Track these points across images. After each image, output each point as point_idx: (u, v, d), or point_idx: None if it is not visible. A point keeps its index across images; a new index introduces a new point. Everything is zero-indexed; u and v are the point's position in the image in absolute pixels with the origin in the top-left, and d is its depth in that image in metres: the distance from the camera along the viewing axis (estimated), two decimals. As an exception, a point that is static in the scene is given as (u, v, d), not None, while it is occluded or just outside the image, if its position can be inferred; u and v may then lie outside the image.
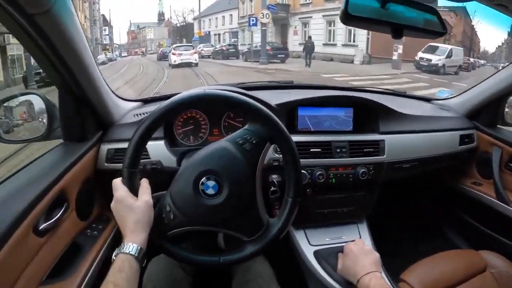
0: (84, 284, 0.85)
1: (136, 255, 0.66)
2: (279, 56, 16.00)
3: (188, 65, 15.47)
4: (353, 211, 1.26)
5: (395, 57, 13.52)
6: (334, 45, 17.34)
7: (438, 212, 1.69)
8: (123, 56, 38.19)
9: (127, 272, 0.64)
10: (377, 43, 14.61)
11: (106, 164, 1.07)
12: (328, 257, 1.11)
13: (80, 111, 1.02)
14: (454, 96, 1.53)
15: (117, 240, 1.00)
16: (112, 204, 0.73)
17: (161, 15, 60.67)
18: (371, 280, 0.84)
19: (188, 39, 35.73)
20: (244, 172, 0.74)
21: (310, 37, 16.38)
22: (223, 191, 0.72)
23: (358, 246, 0.96)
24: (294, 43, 19.45)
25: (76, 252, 0.92)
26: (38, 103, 1.01)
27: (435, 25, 0.80)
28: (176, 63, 15.74)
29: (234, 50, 19.95)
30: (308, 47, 15.07)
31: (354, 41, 16.38)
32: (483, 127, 1.39)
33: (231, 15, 28.75)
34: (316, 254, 1.15)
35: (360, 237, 1.24)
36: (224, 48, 20.46)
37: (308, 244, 1.20)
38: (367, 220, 1.31)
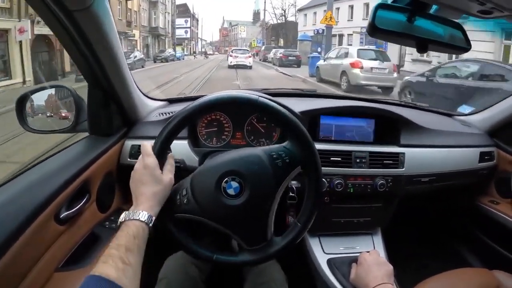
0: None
1: (150, 225, 0.66)
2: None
3: (243, 67, 17.81)
4: (369, 222, 1.26)
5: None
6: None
7: (453, 229, 1.67)
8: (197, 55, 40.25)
9: (140, 239, 0.63)
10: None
11: (129, 159, 1.10)
12: (341, 266, 1.11)
13: (108, 107, 1.05)
14: (476, 112, 1.51)
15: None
16: (139, 167, 0.71)
17: (256, 14, 57.79)
18: None
19: (287, 39, 32.80)
20: (269, 185, 0.74)
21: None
22: (243, 195, 0.73)
23: (373, 257, 0.96)
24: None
25: (93, 242, 0.94)
26: (67, 96, 1.05)
27: (460, 40, 0.80)
28: (232, 64, 18.24)
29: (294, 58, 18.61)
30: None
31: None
32: (504, 145, 1.37)
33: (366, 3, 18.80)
34: (330, 262, 1.15)
35: (374, 248, 1.24)
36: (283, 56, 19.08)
37: (322, 252, 1.20)
38: (382, 232, 1.30)
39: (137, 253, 0.61)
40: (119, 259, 0.57)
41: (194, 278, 0.97)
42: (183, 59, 29.23)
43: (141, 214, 0.65)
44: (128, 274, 0.56)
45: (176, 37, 43.95)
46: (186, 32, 48.28)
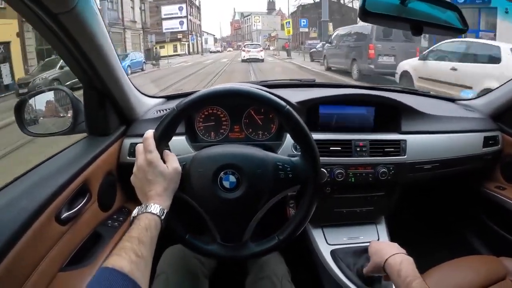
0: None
1: (162, 217, 0.66)
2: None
3: (255, 60, 19.22)
4: (372, 212, 1.25)
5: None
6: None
7: (459, 216, 1.64)
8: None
9: (153, 232, 0.63)
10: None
11: (128, 158, 1.11)
12: (345, 257, 1.11)
13: (104, 106, 1.05)
14: (479, 97, 1.49)
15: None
16: (142, 164, 0.70)
17: (271, 3, 51.30)
18: (402, 262, 0.77)
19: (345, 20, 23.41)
20: (264, 192, 0.74)
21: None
22: (236, 192, 0.73)
23: (384, 242, 0.95)
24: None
25: (96, 242, 0.95)
26: (64, 98, 1.05)
27: (456, 21, 0.79)
28: (245, 58, 19.83)
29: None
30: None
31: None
32: (509, 129, 1.34)
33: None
34: (333, 253, 1.15)
35: (379, 239, 1.23)
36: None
37: (326, 243, 1.20)
38: (386, 221, 1.29)
39: (150, 246, 0.61)
40: (132, 251, 0.57)
41: (195, 273, 0.96)
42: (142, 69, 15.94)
43: (153, 207, 0.66)
44: (141, 267, 0.56)
45: (166, 30, 35.47)
46: (181, 23, 37.89)
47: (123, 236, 0.94)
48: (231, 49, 45.91)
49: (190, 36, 38.70)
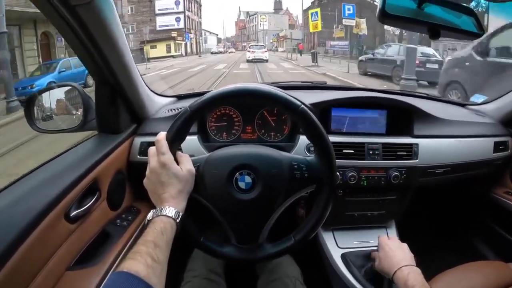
0: (111, 271, 0.86)
1: (177, 220, 0.65)
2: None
3: (259, 60, 20.13)
4: (383, 215, 1.24)
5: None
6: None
7: (468, 221, 1.64)
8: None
9: (169, 235, 0.62)
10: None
11: (138, 156, 1.10)
12: (356, 260, 1.11)
13: (116, 104, 1.04)
14: (490, 101, 1.48)
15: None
16: (155, 166, 0.68)
17: (278, 3, 47.73)
18: (409, 274, 0.81)
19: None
20: (280, 192, 0.74)
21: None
22: (252, 193, 0.72)
23: (394, 241, 0.95)
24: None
25: (104, 241, 0.94)
26: (75, 95, 1.05)
27: (473, 26, 0.79)
28: (250, 58, 21.01)
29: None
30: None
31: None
32: None
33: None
34: (344, 257, 1.14)
35: None
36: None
37: (336, 246, 1.19)
38: (396, 225, 1.29)
39: (165, 250, 0.60)
40: (148, 255, 0.55)
41: (216, 275, 0.97)
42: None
43: (168, 210, 0.65)
44: (157, 272, 0.55)
45: (161, 28, 31.24)
46: (177, 20, 32.97)
47: (130, 236, 0.94)
48: (233, 50, 41.51)
49: (185, 34, 33.43)
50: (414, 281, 0.78)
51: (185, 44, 34.57)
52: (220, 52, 40.04)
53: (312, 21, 17.92)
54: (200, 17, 41.86)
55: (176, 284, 0.98)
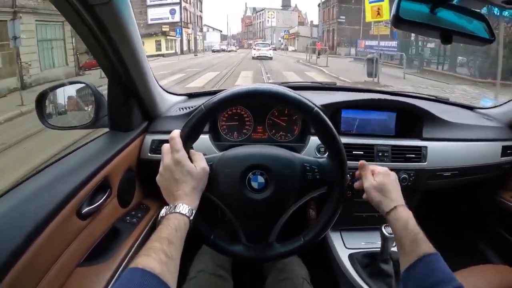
0: (121, 268, 0.87)
1: (191, 218, 0.65)
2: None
3: (264, 58, 21.27)
4: None
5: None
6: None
7: (474, 224, 1.64)
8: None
9: (182, 232, 0.62)
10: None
11: (149, 154, 1.11)
12: (363, 261, 1.11)
13: (128, 102, 1.05)
14: (498, 106, 1.48)
15: (155, 229, 1.03)
16: (169, 164, 0.68)
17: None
18: (409, 217, 0.75)
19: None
20: (292, 193, 0.74)
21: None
22: (265, 193, 0.73)
23: (385, 176, 0.83)
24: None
25: (114, 237, 0.95)
26: (86, 92, 1.05)
27: (484, 32, 0.79)
28: (256, 55, 22.15)
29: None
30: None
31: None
32: None
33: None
34: (351, 257, 1.15)
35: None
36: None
37: (344, 247, 1.20)
38: None
39: (179, 247, 0.60)
40: (162, 251, 0.55)
41: (223, 271, 0.97)
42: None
43: (182, 207, 0.65)
44: (171, 268, 0.55)
45: (152, 21, 26.99)
46: (172, 12, 28.54)
47: (140, 233, 0.94)
48: (233, 48, 37.24)
49: (176, 28, 27.38)
50: (414, 225, 0.74)
51: (180, 41, 29.26)
52: (223, 50, 36.79)
53: (371, 2, 10.80)
54: (201, 11, 36.20)
55: (182, 278, 0.98)
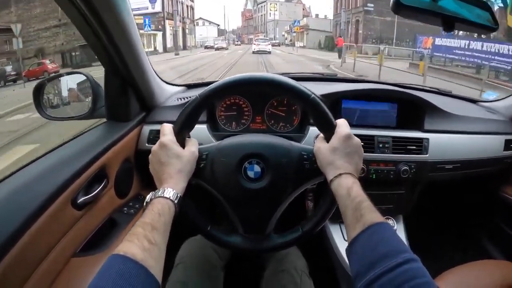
0: None
1: (176, 202, 0.63)
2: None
3: (263, 52, 22.91)
4: (391, 210, 1.23)
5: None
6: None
7: (475, 219, 1.63)
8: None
9: (167, 217, 0.61)
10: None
11: (147, 144, 1.10)
12: None
13: (126, 92, 1.04)
14: (501, 99, 1.46)
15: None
16: (156, 148, 0.69)
17: None
18: (354, 183, 0.65)
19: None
20: (289, 182, 0.73)
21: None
22: (261, 182, 0.72)
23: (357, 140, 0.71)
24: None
25: (111, 228, 0.94)
26: (84, 83, 1.05)
27: (487, 20, 0.78)
28: (255, 50, 23.85)
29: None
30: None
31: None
32: None
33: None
34: None
35: None
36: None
37: (343, 239, 1.19)
38: (404, 220, 1.28)
39: (163, 232, 0.59)
40: (144, 237, 0.54)
41: (213, 265, 0.95)
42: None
43: (166, 191, 0.63)
44: (154, 254, 0.54)
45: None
46: (152, 1, 23.32)
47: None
48: (224, 45, 29.98)
49: (144, 18, 21.23)
50: (357, 191, 0.63)
51: (163, 36, 23.90)
52: (223, 47, 30.81)
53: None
54: (192, 0, 30.64)
55: (171, 266, 0.97)
